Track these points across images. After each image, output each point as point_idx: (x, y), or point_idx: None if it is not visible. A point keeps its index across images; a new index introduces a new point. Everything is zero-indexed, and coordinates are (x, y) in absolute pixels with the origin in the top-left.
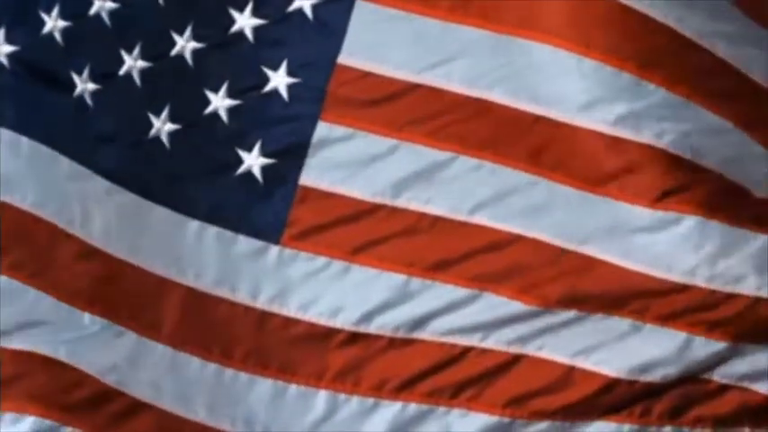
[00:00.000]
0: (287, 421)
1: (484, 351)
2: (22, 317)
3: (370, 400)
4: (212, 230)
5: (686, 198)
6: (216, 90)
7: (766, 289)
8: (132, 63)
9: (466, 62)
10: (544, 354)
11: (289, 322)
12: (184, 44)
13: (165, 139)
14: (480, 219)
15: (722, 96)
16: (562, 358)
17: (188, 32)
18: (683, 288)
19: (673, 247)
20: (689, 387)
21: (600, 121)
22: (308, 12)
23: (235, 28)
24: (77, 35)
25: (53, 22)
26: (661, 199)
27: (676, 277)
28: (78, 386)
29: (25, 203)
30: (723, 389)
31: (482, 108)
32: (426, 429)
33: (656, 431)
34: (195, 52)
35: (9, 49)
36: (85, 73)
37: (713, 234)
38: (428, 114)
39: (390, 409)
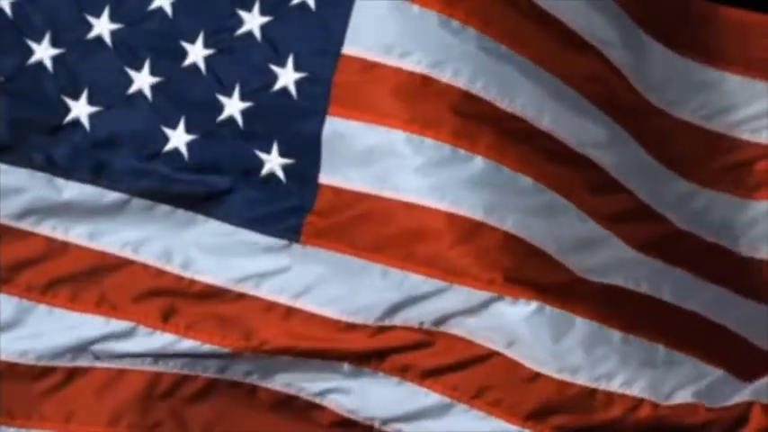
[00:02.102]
0: None
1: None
2: None
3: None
4: (244, 234)
5: None
6: (229, 95)
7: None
8: (142, 80)
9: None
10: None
11: (313, 317)
12: (197, 52)
13: (183, 150)
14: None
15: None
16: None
17: (200, 40)
18: None
19: None
20: None
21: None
22: (311, 3)
23: (243, 29)
24: (73, 62)
25: (43, 51)
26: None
27: None
28: None
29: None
30: None
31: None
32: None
33: None
34: (207, 59)
35: None
36: (84, 97)
37: None
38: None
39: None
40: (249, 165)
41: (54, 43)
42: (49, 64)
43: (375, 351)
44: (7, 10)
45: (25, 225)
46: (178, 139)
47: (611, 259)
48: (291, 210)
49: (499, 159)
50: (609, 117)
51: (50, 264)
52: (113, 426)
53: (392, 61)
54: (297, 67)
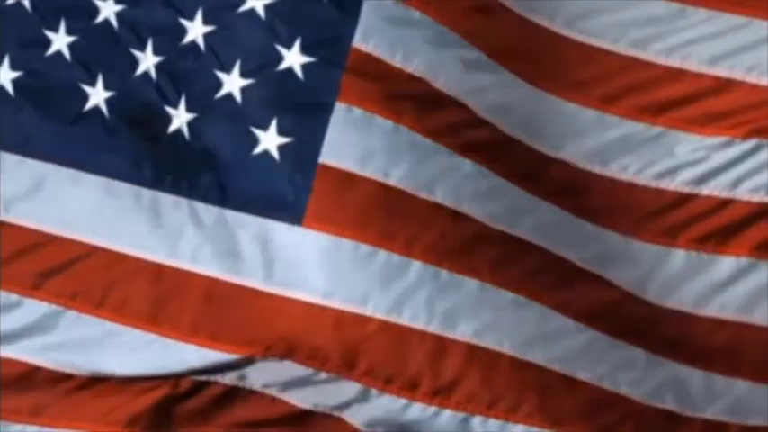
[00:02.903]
0: None
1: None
2: None
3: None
4: (234, 215)
5: None
6: (228, 71)
7: None
8: (148, 61)
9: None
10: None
11: (313, 307)
12: (197, 30)
13: (185, 130)
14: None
15: None
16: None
17: (198, 17)
18: None
19: None
20: None
21: None
22: None
23: (246, 6)
24: (86, 46)
25: (61, 40)
26: None
27: None
28: None
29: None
30: None
31: None
32: None
33: None
34: (206, 36)
35: (13, 74)
36: (99, 82)
37: None
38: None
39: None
40: (242, 142)
41: (68, 31)
42: (66, 52)
43: None
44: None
45: None
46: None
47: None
48: (290, 191)
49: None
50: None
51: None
52: (131, 427)
53: (397, 61)
54: (305, 51)
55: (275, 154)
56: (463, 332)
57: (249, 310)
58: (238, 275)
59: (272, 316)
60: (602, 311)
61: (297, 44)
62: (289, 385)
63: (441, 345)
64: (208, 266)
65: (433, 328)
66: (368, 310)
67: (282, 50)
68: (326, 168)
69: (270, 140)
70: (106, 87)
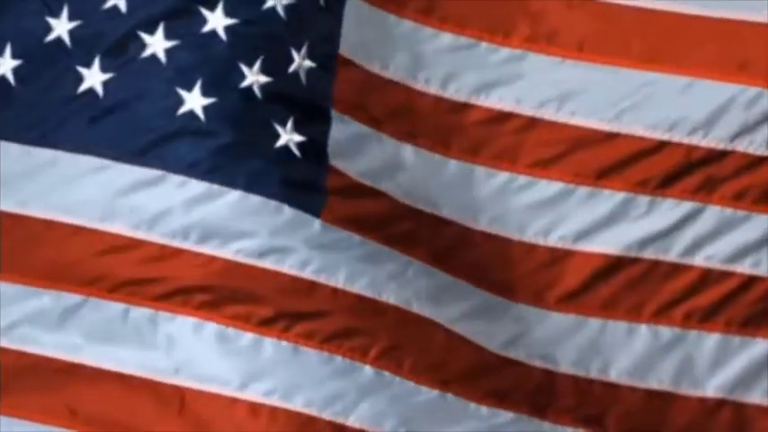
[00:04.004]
0: None
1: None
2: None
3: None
4: (255, 199)
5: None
6: (250, 65)
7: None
8: (157, 44)
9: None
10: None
11: (337, 292)
12: (217, 21)
13: (200, 113)
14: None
15: None
16: None
17: (220, 8)
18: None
19: None
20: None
21: None
22: None
23: (268, 4)
24: (88, 30)
25: (63, 25)
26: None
27: None
28: None
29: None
30: (720, 404)
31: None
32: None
33: None
34: (228, 28)
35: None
36: (96, 64)
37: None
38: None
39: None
40: (263, 135)
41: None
42: (66, 38)
43: None
44: None
45: None
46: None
47: None
48: (308, 185)
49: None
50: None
51: None
52: None
53: (375, 69)
54: (309, 56)
55: (295, 150)
56: None
57: None
58: None
59: None
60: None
61: (304, 49)
62: None
63: None
64: None
65: None
66: None
67: (294, 53)
68: (336, 170)
69: (289, 136)
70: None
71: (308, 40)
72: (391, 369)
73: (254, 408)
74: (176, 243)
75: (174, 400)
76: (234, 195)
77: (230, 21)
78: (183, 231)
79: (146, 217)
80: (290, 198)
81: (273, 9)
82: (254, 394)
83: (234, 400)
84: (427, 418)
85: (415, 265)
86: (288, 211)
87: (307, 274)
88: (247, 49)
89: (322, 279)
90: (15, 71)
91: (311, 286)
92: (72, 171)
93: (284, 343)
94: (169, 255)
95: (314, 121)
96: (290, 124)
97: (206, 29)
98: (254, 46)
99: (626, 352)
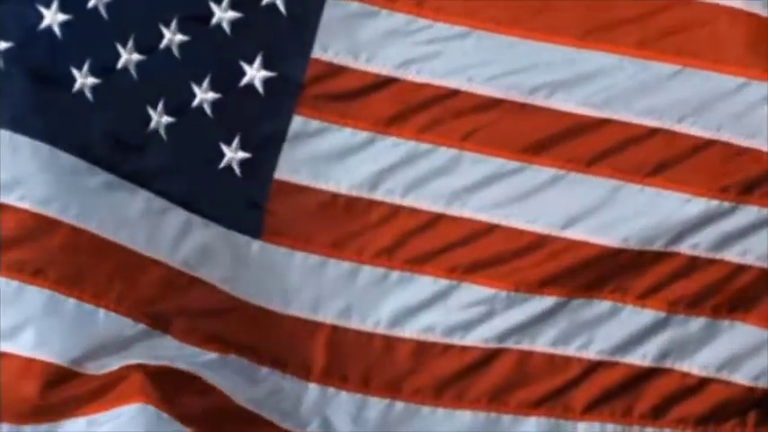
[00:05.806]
0: None
1: (464, 348)
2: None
3: (358, 396)
4: (198, 220)
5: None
6: (200, 83)
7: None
8: (128, 56)
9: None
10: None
11: (273, 315)
12: (171, 36)
13: (162, 132)
14: (459, 209)
15: None
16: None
17: (174, 24)
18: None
19: None
20: (669, 382)
21: None
22: (281, 6)
23: (214, 20)
24: (77, 29)
25: (53, 16)
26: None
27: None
28: None
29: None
30: (703, 383)
31: (459, 98)
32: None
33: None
34: (181, 45)
35: (3, 45)
36: (85, 67)
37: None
38: (405, 108)
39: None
40: (209, 155)
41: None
42: (57, 30)
43: None
44: None
45: None
46: (159, 120)
47: None
48: (248, 205)
49: None
50: None
51: None
52: None
53: (360, 66)
54: (266, 66)
55: (237, 169)
56: None
57: None
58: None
59: None
60: None
61: (258, 60)
62: None
63: None
64: None
65: None
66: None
67: (245, 66)
68: (282, 183)
69: (233, 155)
70: (93, 74)
71: (263, 52)
72: None
73: None
74: None
75: None
76: None
77: (183, 37)
78: None
79: None
80: None
81: (219, 24)
82: None
83: None
84: None
85: None
86: None
87: None
88: (197, 66)
89: None
90: None
91: None
92: None
93: None
94: None
95: (268, 133)
96: (236, 142)
97: (162, 45)
98: (204, 62)
99: (610, 330)
